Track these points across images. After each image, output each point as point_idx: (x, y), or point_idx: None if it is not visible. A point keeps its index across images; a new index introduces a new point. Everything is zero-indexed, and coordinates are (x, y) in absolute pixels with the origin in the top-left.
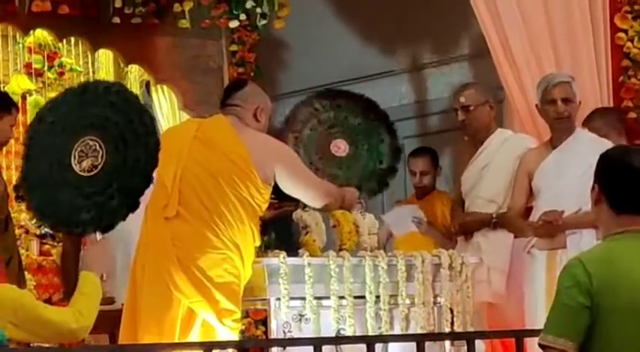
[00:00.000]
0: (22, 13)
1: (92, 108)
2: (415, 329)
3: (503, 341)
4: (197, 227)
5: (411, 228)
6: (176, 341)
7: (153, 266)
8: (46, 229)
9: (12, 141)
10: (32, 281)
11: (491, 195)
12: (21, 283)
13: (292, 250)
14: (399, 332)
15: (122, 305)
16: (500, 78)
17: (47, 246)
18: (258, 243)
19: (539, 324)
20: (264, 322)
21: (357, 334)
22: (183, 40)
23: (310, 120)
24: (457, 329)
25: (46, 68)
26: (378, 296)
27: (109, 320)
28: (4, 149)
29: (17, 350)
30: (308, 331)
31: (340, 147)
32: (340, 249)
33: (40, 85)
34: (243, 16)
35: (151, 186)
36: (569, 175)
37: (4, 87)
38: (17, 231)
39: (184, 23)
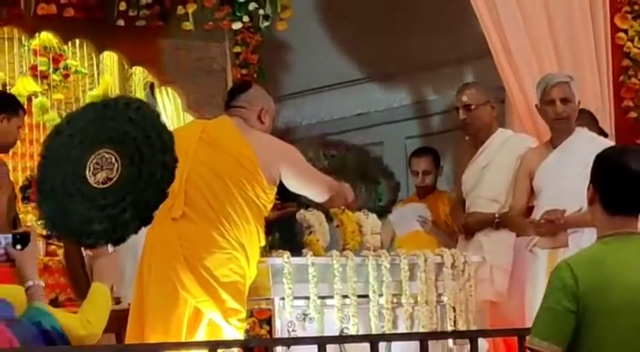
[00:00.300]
0: (28, 16)
1: (111, 123)
2: (418, 327)
3: (506, 340)
4: (203, 227)
5: (414, 227)
6: (183, 340)
7: (160, 266)
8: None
9: (18, 142)
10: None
11: (492, 195)
12: None
13: (296, 250)
14: (403, 331)
15: (129, 304)
16: (502, 78)
17: (53, 247)
18: (263, 243)
19: None
20: (269, 321)
21: (361, 333)
22: (187, 42)
23: None
24: (460, 327)
25: (51, 70)
26: (381, 295)
27: (115, 320)
28: (11, 151)
29: (24, 350)
30: (312, 330)
31: None
32: (343, 249)
33: (46, 87)
34: (246, 18)
35: None
36: (570, 174)
37: (9, 89)
38: None
39: (188, 25)
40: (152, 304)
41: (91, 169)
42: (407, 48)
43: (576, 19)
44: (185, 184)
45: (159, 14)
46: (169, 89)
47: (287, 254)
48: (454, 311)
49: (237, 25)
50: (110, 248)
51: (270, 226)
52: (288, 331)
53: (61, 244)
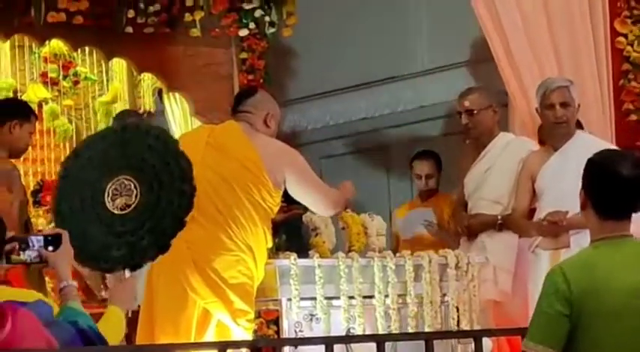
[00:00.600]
0: (38, 24)
1: (130, 149)
2: (423, 327)
3: (509, 339)
4: (211, 230)
5: (419, 230)
6: (192, 341)
7: (169, 269)
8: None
9: (29, 147)
10: (50, 284)
11: (495, 197)
12: (41, 287)
13: (303, 252)
14: (408, 331)
15: (138, 306)
16: (504, 82)
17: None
18: (270, 245)
19: None
20: (276, 322)
21: (367, 333)
22: (195, 48)
23: None
24: (464, 327)
25: (61, 77)
26: (386, 296)
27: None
28: (22, 156)
29: (31, 350)
30: (319, 330)
31: None
32: (349, 250)
33: (56, 94)
34: (252, 25)
35: None
36: (571, 177)
37: (21, 95)
38: None
39: (195, 32)
40: (162, 306)
41: (110, 195)
42: (411, 52)
43: (576, 24)
44: None
45: (166, 22)
46: (177, 95)
47: (294, 255)
48: (458, 311)
49: (243, 32)
50: (127, 273)
51: (277, 228)
52: (296, 331)
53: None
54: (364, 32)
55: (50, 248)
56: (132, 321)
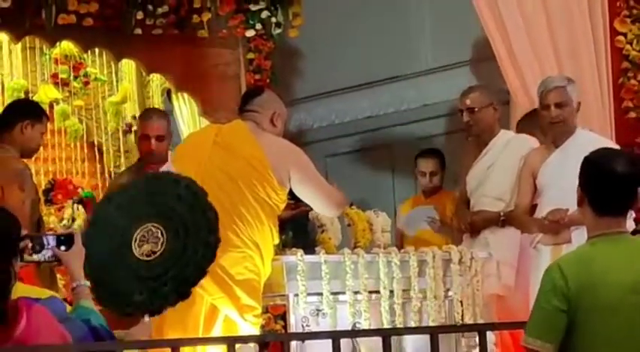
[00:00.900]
0: (49, 26)
1: (160, 198)
2: (427, 321)
3: (512, 332)
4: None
5: (423, 227)
6: (200, 336)
7: None
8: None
9: (41, 147)
10: (62, 281)
11: (497, 194)
12: (52, 284)
13: (309, 248)
14: (413, 325)
15: None
16: (505, 80)
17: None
18: (276, 242)
19: None
20: (283, 317)
21: (373, 327)
22: (202, 49)
23: None
24: (467, 321)
25: (71, 78)
26: (391, 291)
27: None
28: (34, 155)
29: (48, 346)
30: (325, 325)
31: None
32: (355, 247)
33: (67, 94)
34: (259, 26)
35: None
36: (571, 174)
37: (32, 96)
38: None
39: (203, 33)
40: None
41: (137, 241)
42: (415, 51)
43: (576, 23)
44: None
45: (175, 23)
46: (185, 95)
47: (300, 252)
48: (461, 305)
49: (250, 33)
50: (147, 318)
51: (283, 225)
52: (303, 326)
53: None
54: (368, 32)
55: (63, 247)
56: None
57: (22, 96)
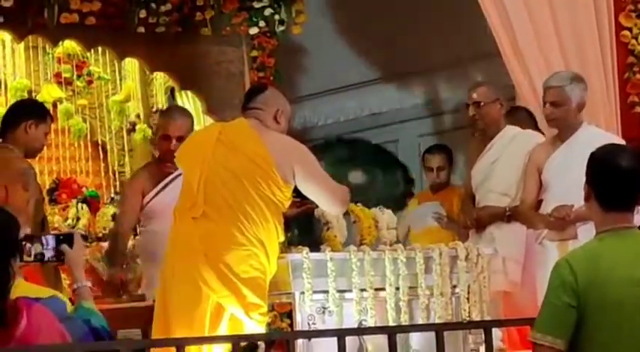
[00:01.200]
0: (51, 25)
1: None
2: (434, 318)
3: (519, 329)
4: (223, 225)
5: (429, 223)
6: (206, 334)
7: (182, 264)
8: (78, 230)
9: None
10: (67, 281)
11: (503, 189)
12: (57, 283)
13: (315, 246)
14: (419, 322)
15: (153, 301)
16: (511, 76)
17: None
18: (282, 239)
19: None
20: (289, 315)
21: (379, 325)
22: (206, 47)
23: (325, 159)
24: (474, 317)
25: (75, 77)
26: (397, 288)
27: (141, 316)
28: (38, 155)
29: (49, 346)
30: (331, 323)
31: (357, 178)
32: (361, 244)
33: (70, 93)
34: (262, 23)
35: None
36: (576, 169)
37: (35, 96)
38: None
39: (206, 31)
40: (176, 301)
41: None
42: (419, 48)
43: (581, 19)
44: (204, 184)
45: (178, 21)
46: (189, 93)
47: (306, 249)
48: (468, 302)
49: (253, 30)
50: None
51: (289, 223)
52: (309, 324)
53: (88, 244)
54: (373, 29)
55: (63, 247)
56: (147, 315)
57: (26, 95)
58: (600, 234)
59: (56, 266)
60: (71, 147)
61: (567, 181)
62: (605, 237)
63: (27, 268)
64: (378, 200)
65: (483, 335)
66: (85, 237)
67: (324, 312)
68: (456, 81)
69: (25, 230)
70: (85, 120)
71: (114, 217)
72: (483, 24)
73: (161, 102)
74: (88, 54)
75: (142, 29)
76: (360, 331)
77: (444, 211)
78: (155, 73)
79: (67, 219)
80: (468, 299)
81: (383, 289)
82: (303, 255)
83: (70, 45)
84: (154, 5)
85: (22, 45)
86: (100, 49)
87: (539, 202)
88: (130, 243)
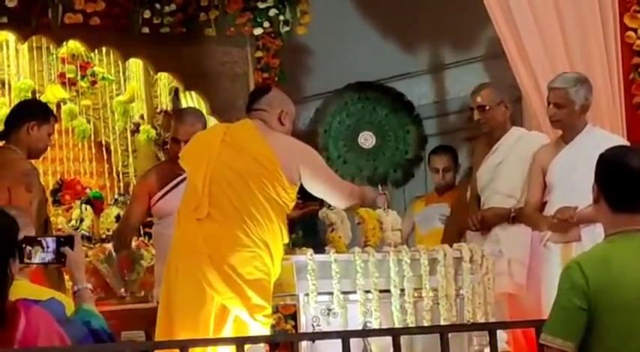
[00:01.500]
0: (55, 26)
1: None
2: (439, 320)
3: (524, 331)
4: (227, 227)
5: (436, 225)
6: (210, 336)
7: (186, 266)
8: (82, 232)
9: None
10: (70, 283)
11: (508, 191)
12: (60, 284)
13: (319, 247)
14: (424, 324)
15: (157, 303)
16: (516, 77)
17: (83, 248)
18: (286, 241)
19: None
20: (294, 316)
21: (383, 327)
22: (210, 47)
23: (340, 113)
24: (478, 319)
25: (79, 77)
26: (402, 290)
27: (144, 318)
28: (42, 156)
29: (42, 350)
30: (336, 324)
31: (368, 139)
32: (365, 245)
33: (74, 94)
34: (266, 24)
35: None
36: (581, 170)
37: (39, 96)
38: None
39: (210, 32)
40: (180, 302)
41: None
42: (425, 49)
43: (586, 19)
44: (209, 186)
45: (182, 21)
46: (194, 94)
47: (310, 251)
48: (472, 304)
49: (258, 31)
50: None
51: (293, 224)
52: (313, 326)
53: (92, 246)
54: (378, 30)
55: (65, 249)
56: (150, 317)
57: (29, 96)
58: (610, 236)
59: (59, 269)
60: (75, 147)
61: (571, 182)
62: (614, 239)
63: (30, 270)
64: (386, 168)
65: (488, 338)
66: (88, 239)
67: (328, 314)
68: (462, 81)
69: (30, 231)
70: (88, 121)
71: (118, 218)
72: (488, 24)
73: (165, 102)
74: (92, 54)
75: (146, 30)
76: (365, 333)
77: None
78: (159, 74)
79: (70, 220)
80: (472, 301)
81: (387, 291)
82: (307, 257)
83: (74, 45)
84: (158, 6)
85: (26, 45)
86: (104, 49)
87: (543, 204)
88: (134, 243)
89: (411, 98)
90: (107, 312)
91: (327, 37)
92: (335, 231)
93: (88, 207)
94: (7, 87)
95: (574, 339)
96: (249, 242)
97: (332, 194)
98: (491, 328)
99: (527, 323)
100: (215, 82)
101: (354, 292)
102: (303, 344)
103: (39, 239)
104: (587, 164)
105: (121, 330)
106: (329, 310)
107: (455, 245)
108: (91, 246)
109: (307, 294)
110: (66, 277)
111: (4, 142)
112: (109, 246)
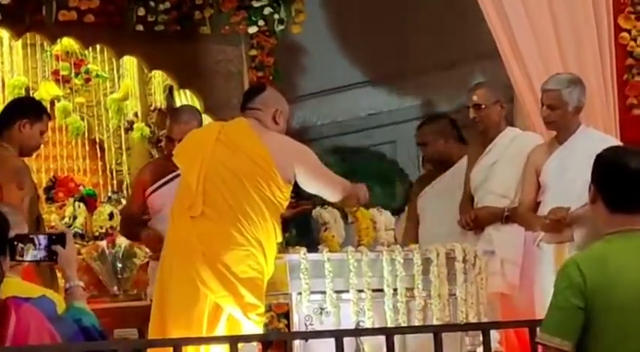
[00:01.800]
0: (49, 23)
1: None
2: (432, 320)
3: (517, 331)
4: (221, 225)
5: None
6: (203, 335)
7: (180, 264)
8: (75, 229)
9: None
10: (62, 280)
11: (502, 191)
12: (53, 282)
13: (312, 246)
14: (417, 324)
15: (150, 300)
16: (510, 77)
17: (76, 246)
18: (279, 240)
19: None
20: (287, 315)
21: (376, 326)
22: (205, 46)
23: None
24: (471, 319)
25: (73, 75)
26: (395, 289)
27: (137, 316)
28: (34, 153)
29: (34, 349)
30: (329, 323)
31: None
32: (358, 245)
33: (68, 91)
34: (261, 22)
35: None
36: (574, 171)
37: (33, 93)
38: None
39: (205, 30)
40: (174, 300)
41: None
42: (418, 49)
43: (580, 20)
44: (203, 184)
45: (177, 19)
46: (188, 92)
47: (303, 250)
48: (465, 303)
49: (252, 29)
50: None
51: (286, 223)
52: (306, 325)
53: (85, 243)
54: (373, 29)
55: (56, 247)
56: (143, 315)
57: (23, 93)
58: (607, 235)
59: (51, 266)
60: (68, 145)
61: (564, 183)
62: (612, 239)
63: (21, 267)
64: None
65: (481, 337)
66: (81, 236)
67: (321, 313)
68: (454, 81)
69: (23, 229)
70: (82, 119)
71: (111, 216)
72: (483, 24)
73: (159, 100)
74: (87, 52)
75: (140, 27)
76: (358, 332)
77: None
78: (153, 72)
79: (63, 217)
80: (465, 300)
81: (380, 290)
82: (300, 256)
83: (68, 42)
84: (152, 3)
85: (19, 42)
86: (98, 46)
87: (537, 204)
88: (128, 242)
89: (404, 97)
90: (100, 310)
91: (321, 36)
92: (328, 230)
93: (82, 204)
94: (0, 84)
95: (571, 338)
96: (243, 240)
97: (326, 189)
98: (485, 328)
99: (520, 323)
100: (209, 80)
101: (347, 291)
102: (296, 343)
103: (31, 236)
104: (581, 165)
105: (114, 328)
106: (322, 309)
107: (448, 244)
108: (84, 243)
109: (300, 293)
110: (59, 275)
111: None
112: (102, 243)
